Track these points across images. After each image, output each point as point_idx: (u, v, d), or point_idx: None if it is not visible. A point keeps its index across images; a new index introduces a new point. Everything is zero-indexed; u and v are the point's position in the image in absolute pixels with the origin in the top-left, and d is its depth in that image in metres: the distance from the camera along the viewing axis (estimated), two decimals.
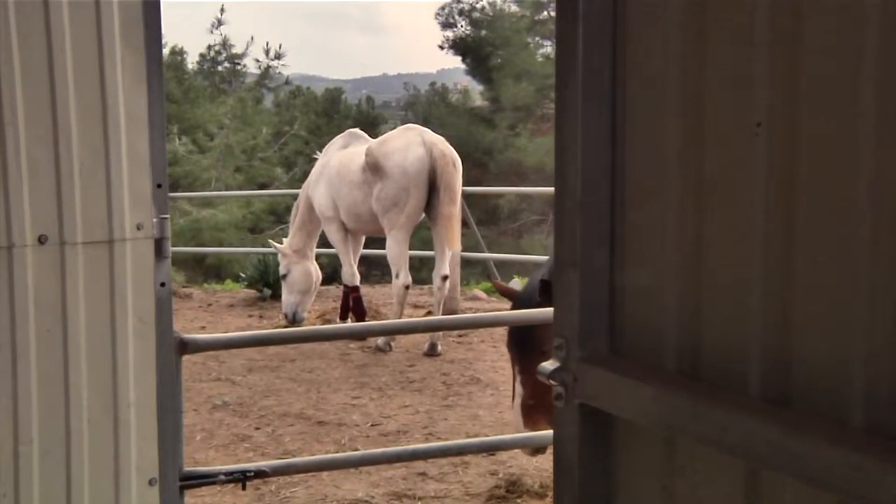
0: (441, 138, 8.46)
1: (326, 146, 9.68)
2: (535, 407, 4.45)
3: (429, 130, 8.66)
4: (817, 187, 1.49)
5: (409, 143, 8.16)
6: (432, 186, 8.08)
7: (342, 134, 9.74)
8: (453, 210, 8.15)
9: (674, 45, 1.76)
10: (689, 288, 1.76)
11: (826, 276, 1.48)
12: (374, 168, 8.15)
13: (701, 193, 1.71)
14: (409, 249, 8.50)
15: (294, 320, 9.28)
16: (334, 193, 8.74)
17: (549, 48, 26.30)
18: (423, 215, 8.37)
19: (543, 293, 4.31)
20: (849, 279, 1.44)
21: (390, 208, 8.11)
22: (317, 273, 9.52)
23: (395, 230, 8.15)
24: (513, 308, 4.66)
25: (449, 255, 8.38)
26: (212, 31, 26.43)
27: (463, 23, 27.21)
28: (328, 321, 9.34)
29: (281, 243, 9.58)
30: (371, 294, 10.60)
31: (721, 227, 1.68)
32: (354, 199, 8.47)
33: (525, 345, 4.50)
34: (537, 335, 4.34)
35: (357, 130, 9.75)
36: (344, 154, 8.92)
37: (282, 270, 9.47)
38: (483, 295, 10.83)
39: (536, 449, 4.52)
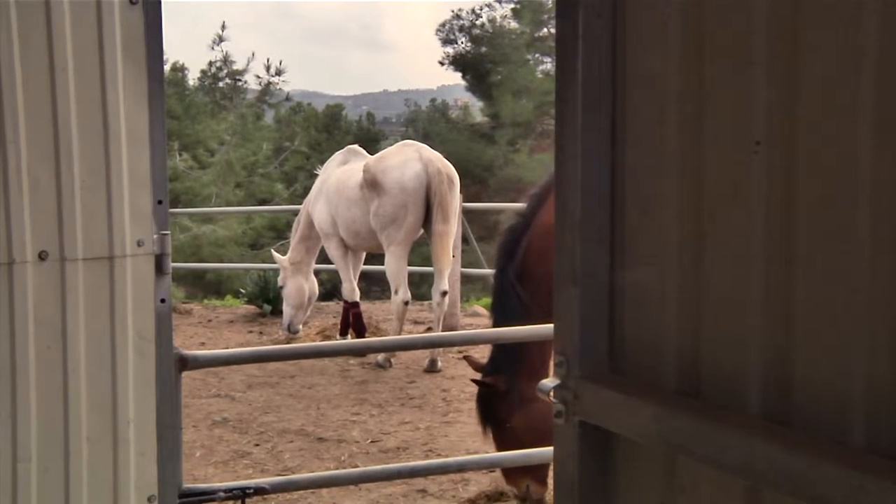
0: (438, 155, 8.46)
1: (326, 163, 9.72)
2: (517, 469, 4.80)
3: (427, 146, 8.69)
4: (817, 207, 1.49)
5: (407, 160, 8.17)
6: (429, 202, 8.09)
7: (341, 150, 9.78)
8: (446, 228, 8.14)
9: (673, 64, 1.77)
10: (690, 307, 1.76)
11: (826, 295, 1.48)
12: (371, 184, 8.16)
13: (700, 213, 1.72)
14: (409, 265, 8.49)
15: (288, 332, 9.35)
16: (333, 210, 8.76)
17: (548, 65, 26.36)
18: (422, 231, 8.37)
19: (485, 382, 4.86)
20: (849, 298, 1.44)
21: (388, 224, 8.12)
22: (311, 289, 9.54)
23: (393, 246, 8.15)
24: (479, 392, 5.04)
25: (448, 271, 8.37)
26: (213, 48, 26.49)
27: (463, 39, 27.31)
28: (328, 337, 9.34)
29: (284, 255, 9.66)
30: (371, 310, 10.60)
31: (720, 246, 1.68)
32: (353, 215, 8.48)
33: (492, 423, 4.89)
34: (500, 415, 4.81)
35: (356, 147, 9.78)
36: (342, 171, 8.95)
37: (279, 282, 9.58)
38: (483, 311, 10.82)
39: (524, 498, 4.90)
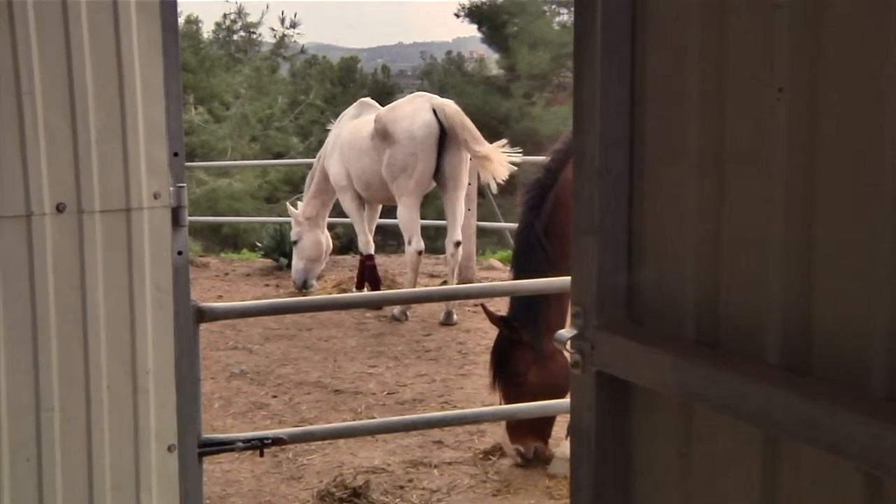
0: (450, 101, 8.48)
1: (339, 116, 9.72)
2: (519, 426, 4.91)
3: (437, 96, 8.69)
4: (839, 154, 1.47)
5: (417, 110, 8.19)
6: (452, 143, 8.04)
7: (354, 104, 9.77)
8: (485, 148, 8.06)
9: (694, 9, 1.74)
10: (708, 255, 1.75)
11: (847, 242, 1.47)
12: (382, 134, 8.18)
13: (721, 160, 1.70)
14: (424, 219, 8.48)
15: (302, 287, 9.35)
16: (346, 162, 8.79)
17: (565, 16, 26.05)
18: (434, 184, 8.38)
19: (509, 329, 4.92)
20: (870, 246, 1.43)
21: (399, 174, 8.13)
22: (327, 242, 9.57)
23: (404, 196, 8.17)
24: (498, 335, 5.11)
25: (461, 221, 8.37)
26: (227, 0, 26.33)
27: None
28: (344, 290, 9.37)
29: (297, 208, 9.64)
30: (387, 263, 10.62)
31: (741, 194, 1.67)
32: (364, 165, 8.51)
33: (504, 375, 4.97)
34: (514, 367, 4.91)
35: (368, 100, 9.77)
36: (355, 123, 8.97)
37: (293, 237, 9.55)
38: (499, 264, 10.83)
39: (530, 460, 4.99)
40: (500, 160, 8.02)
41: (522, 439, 4.94)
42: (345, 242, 13.99)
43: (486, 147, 8.11)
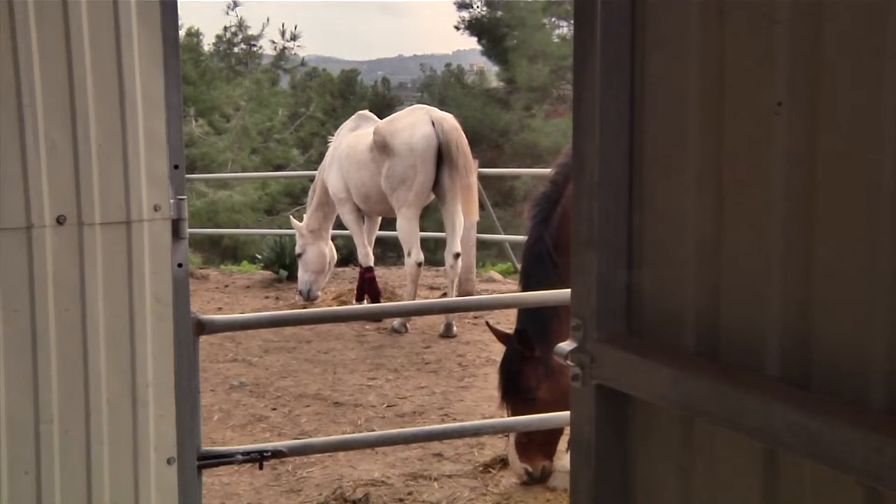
0: (449, 115, 8.52)
1: (338, 129, 9.78)
2: (529, 444, 4.88)
3: (436, 109, 8.73)
4: (838, 167, 1.48)
5: (417, 122, 8.23)
6: (445, 160, 8.09)
7: (352, 117, 9.82)
8: (472, 179, 8.22)
9: (694, 23, 1.74)
10: (708, 268, 1.75)
11: (847, 255, 1.47)
12: (381, 147, 8.22)
13: (720, 173, 1.70)
14: (424, 231, 8.51)
15: (308, 298, 9.42)
16: (345, 175, 8.83)
17: (565, 29, 26.13)
18: (433, 196, 8.40)
19: (521, 342, 4.88)
20: (870, 259, 1.43)
21: (398, 186, 8.16)
22: (331, 254, 9.63)
23: (404, 208, 8.20)
24: (505, 352, 5.11)
25: (461, 232, 8.39)
26: (227, 13, 26.40)
27: (479, 3, 27.04)
28: (344, 302, 9.38)
29: (301, 221, 9.69)
30: (387, 276, 10.63)
31: (741, 206, 1.67)
32: (363, 178, 8.55)
33: (514, 391, 4.92)
34: (525, 383, 4.88)
35: (366, 112, 9.84)
36: (353, 136, 9.03)
37: (297, 249, 9.62)
38: (499, 277, 10.83)
39: (537, 479, 4.96)
40: (475, 201, 8.22)
41: (532, 459, 4.90)
42: (344, 255, 14.00)
43: (474, 179, 8.23)
